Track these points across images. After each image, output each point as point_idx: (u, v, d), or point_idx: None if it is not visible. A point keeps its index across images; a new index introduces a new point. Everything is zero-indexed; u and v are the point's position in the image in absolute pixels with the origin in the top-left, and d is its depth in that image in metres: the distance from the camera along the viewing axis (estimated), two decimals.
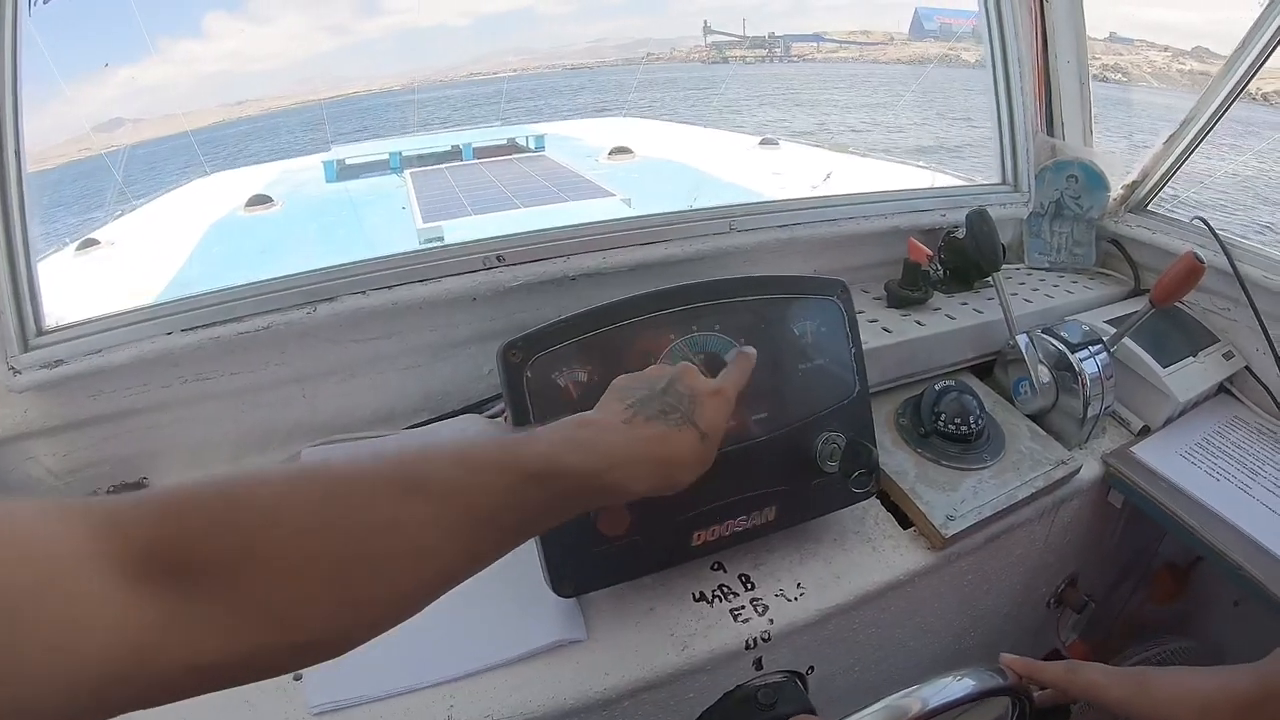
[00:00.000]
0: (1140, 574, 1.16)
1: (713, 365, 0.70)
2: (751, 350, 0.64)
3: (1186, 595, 1.15)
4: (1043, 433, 0.95)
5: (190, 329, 0.82)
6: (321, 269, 0.85)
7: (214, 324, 0.83)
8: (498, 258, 0.85)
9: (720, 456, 0.69)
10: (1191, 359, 1.04)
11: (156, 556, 0.30)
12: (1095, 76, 1.18)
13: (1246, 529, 0.86)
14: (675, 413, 0.51)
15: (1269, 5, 0.93)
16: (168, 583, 0.30)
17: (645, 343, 0.68)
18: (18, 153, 0.80)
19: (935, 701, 0.63)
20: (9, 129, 0.78)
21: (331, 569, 0.34)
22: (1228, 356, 1.07)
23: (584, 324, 0.66)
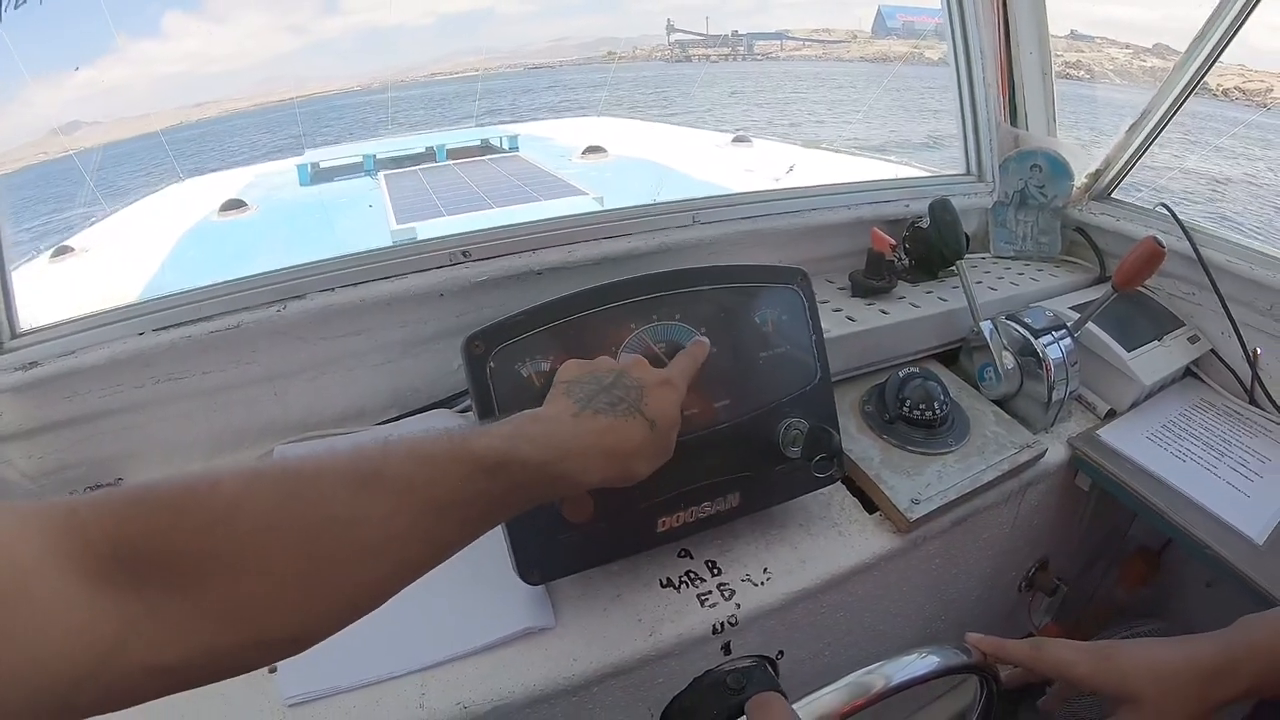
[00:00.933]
0: (1111, 557, 1.17)
1: (674, 354, 0.70)
2: (704, 340, 0.65)
3: (1158, 578, 1.16)
4: (1008, 417, 0.96)
5: (162, 328, 0.83)
6: (290, 267, 0.85)
7: (185, 323, 0.83)
8: (463, 253, 0.86)
9: (683, 443, 0.70)
10: (1156, 343, 1.05)
11: (116, 557, 0.30)
12: (1058, 74, 1.19)
13: (1214, 509, 0.87)
14: (623, 404, 0.53)
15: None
16: (128, 583, 0.30)
17: (607, 332, 0.69)
18: None
19: (899, 678, 0.65)
20: None
21: (292, 565, 0.34)
22: (1193, 340, 1.09)
23: (546, 315, 0.67)
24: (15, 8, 0.93)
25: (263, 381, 0.90)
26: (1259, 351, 1.04)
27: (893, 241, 0.99)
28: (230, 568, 0.33)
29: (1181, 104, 1.06)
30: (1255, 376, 1.04)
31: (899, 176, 1.16)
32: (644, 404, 0.53)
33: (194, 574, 0.32)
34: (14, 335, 0.83)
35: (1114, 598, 1.20)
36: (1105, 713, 0.58)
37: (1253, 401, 1.05)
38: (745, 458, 0.74)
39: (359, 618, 0.39)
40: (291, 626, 0.35)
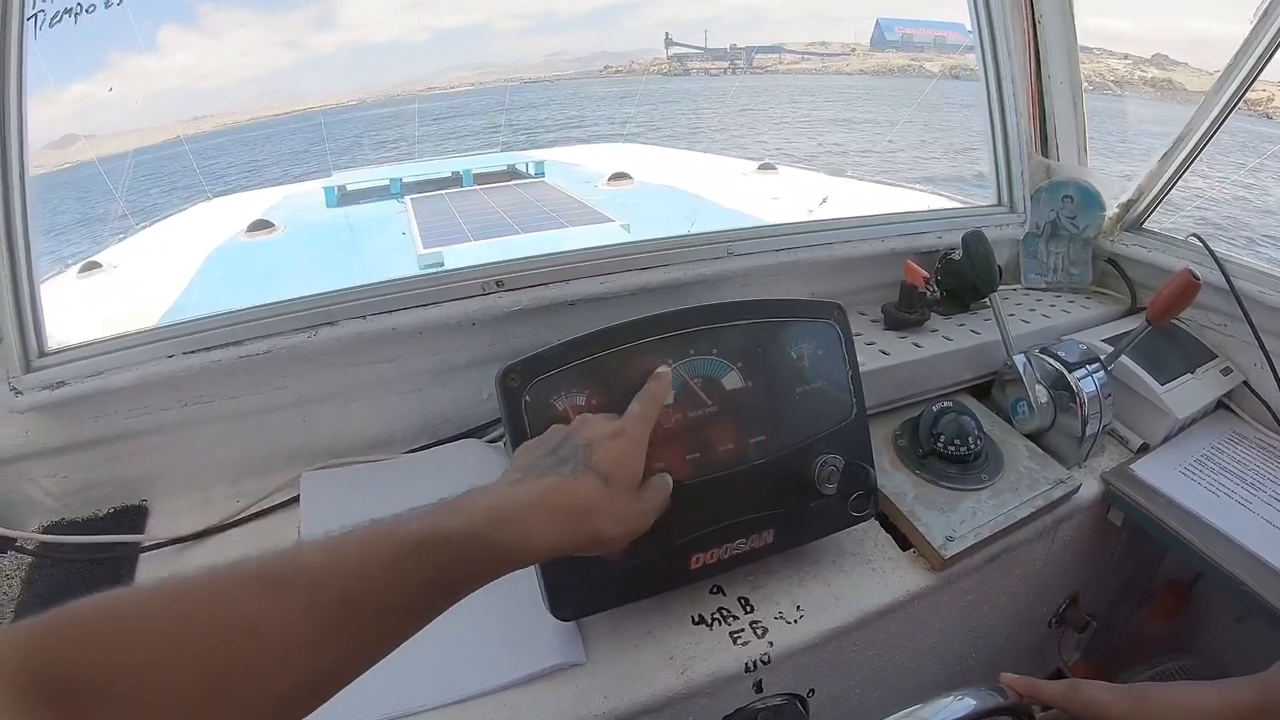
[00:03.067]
0: (1141, 592, 1.15)
1: (711, 390, 0.70)
2: (665, 370, 0.63)
3: (1188, 613, 1.14)
4: (1041, 452, 0.95)
5: (192, 351, 0.83)
6: (323, 293, 0.85)
7: (216, 347, 0.84)
8: (497, 283, 0.86)
9: (718, 480, 0.70)
10: (1190, 375, 1.04)
11: (28, 683, 0.29)
12: None
13: (1247, 544, 0.86)
14: (568, 462, 0.50)
15: (1260, 21, 0.94)
16: (42, 707, 0.29)
17: (642, 366, 0.68)
18: (21, 173, 0.81)
19: None
20: (14, 147, 0.79)
21: (189, 685, 0.32)
22: (1225, 372, 1.07)
23: (582, 348, 0.66)
24: (50, 26, 0.93)
25: (292, 407, 0.90)
26: None
27: (926, 274, 0.99)
28: (130, 688, 0.31)
29: (1217, 130, 1.05)
30: None
31: (931, 208, 1.15)
32: (593, 459, 0.50)
33: (98, 696, 0.30)
34: (42, 354, 0.83)
35: (1143, 633, 1.18)
36: None
37: None
38: (780, 494, 0.73)
39: None
40: None
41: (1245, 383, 1.07)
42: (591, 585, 0.67)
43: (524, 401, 0.64)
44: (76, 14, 0.90)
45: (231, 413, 0.88)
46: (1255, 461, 0.99)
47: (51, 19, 0.87)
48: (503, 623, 0.71)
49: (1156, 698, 0.56)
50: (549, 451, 0.52)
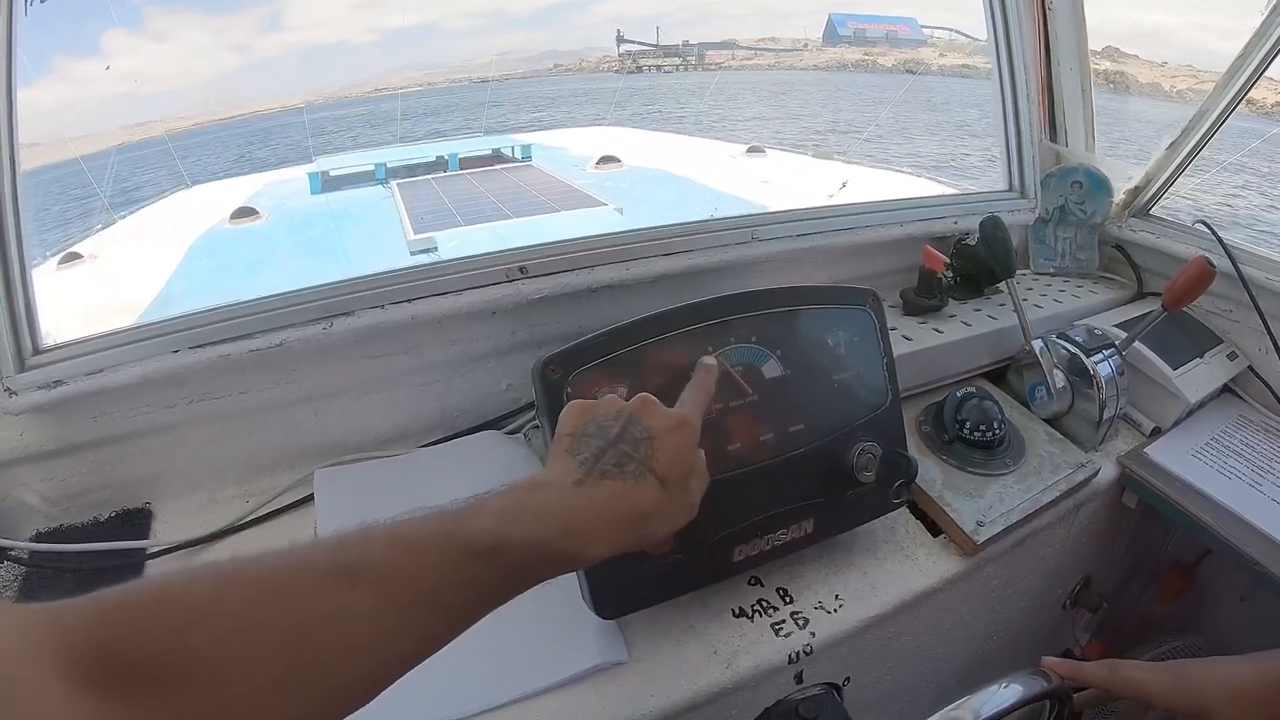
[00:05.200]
0: (1149, 573, 1.17)
1: (751, 378, 0.69)
2: (711, 361, 0.61)
3: (1193, 593, 1.16)
4: (1060, 436, 0.96)
5: (199, 346, 0.80)
6: (337, 283, 0.82)
7: (224, 340, 0.80)
8: (520, 269, 0.83)
9: (758, 470, 0.69)
10: (1199, 360, 1.05)
11: (99, 659, 0.29)
12: None
13: (1259, 524, 0.88)
14: (631, 462, 0.48)
15: (1272, 11, 0.95)
16: (111, 686, 0.29)
17: (682, 356, 0.66)
18: (13, 162, 0.77)
19: (986, 711, 0.63)
20: (4, 137, 0.76)
21: (272, 666, 0.33)
22: (1231, 357, 1.09)
23: (622, 338, 0.65)
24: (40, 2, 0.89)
25: (302, 402, 0.87)
26: None
27: (945, 260, 0.98)
28: (208, 670, 0.31)
29: (1224, 120, 1.07)
30: None
31: (945, 194, 1.15)
32: (654, 459, 0.49)
33: (172, 676, 0.30)
34: (36, 351, 0.79)
35: (1150, 613, 1.20)
36: None
37: None
38: (819, 484, 0.73)
39: (350, 714, 0.36)
40: None
41: (1250, 367, 1.09)
42: (635, 582, 0.66)
43: (565, 393, 0.63)
44: None
45: (239, 409, 0.85)
46: (1262, 444, 1.01)
47: None
48: (543, 624, 0.69)
49: (1193, 674, 0.58)
50: (610, 443, 0.49)
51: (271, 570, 0.35)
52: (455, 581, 0.39)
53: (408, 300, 0.82)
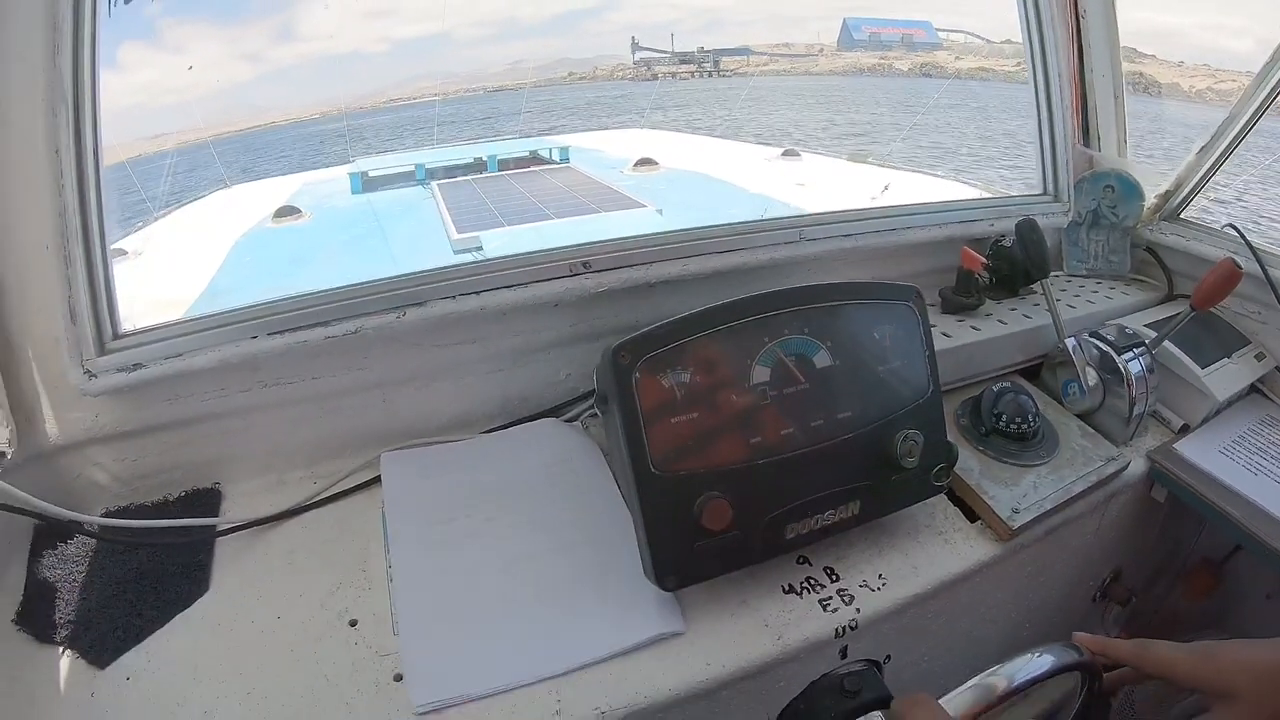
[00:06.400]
0: (1176, 569, 1.20)
1: (803, 367, 0.73)
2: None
3: (1220, 590, 1.19)
4: (1092, 431, 0.99)
5: (277, 332, 0.83)
6: (412, 274, 0.87)
7: (301, 328, 0.84)
8: (584, 264, 0.88)
9: (810, 453, 0.73)
10: (1227, 360, 1.08)
11: None
12: None
13: None
14: None
15: None
16: None
17: (741, 345, 0.72)
18: (96, 152, 0.80)
19: (1020, 678, 0.67)
20: (88, 128, 0.79)
21: None
22: (1259, 358, 1.12)
23: (686, 327, 0.70)
24: (125, 2, 0.93)
25: (373, 388, 0.91)
26: None
27: (983, 260, 1.02)
28: None
29: (1255, 123, 1.09)
30: None
31: (982, 197, 1.19)
32: None
33: None
34: (116, 336, 0.82)
35: (1177, 609, 1.23)
36: (1202, 707, 0.60)
37: None
38: (865, 467, 0.77)
39: None
40: None
41: (1278, 368, 1.12)
42: (696, 556, 0.70)
43: (634, 378, 0.67)
44: None
45: (311, 394, 0.89)
46: None
47: None
48: (606, 595, 0.73)
49: (1220, 654, 0.60)
50: None
51: None
52: None
53: (477, 292, 0.87)
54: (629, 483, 0.69)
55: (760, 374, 0.72)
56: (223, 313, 0.87)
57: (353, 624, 0.71)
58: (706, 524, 0.68)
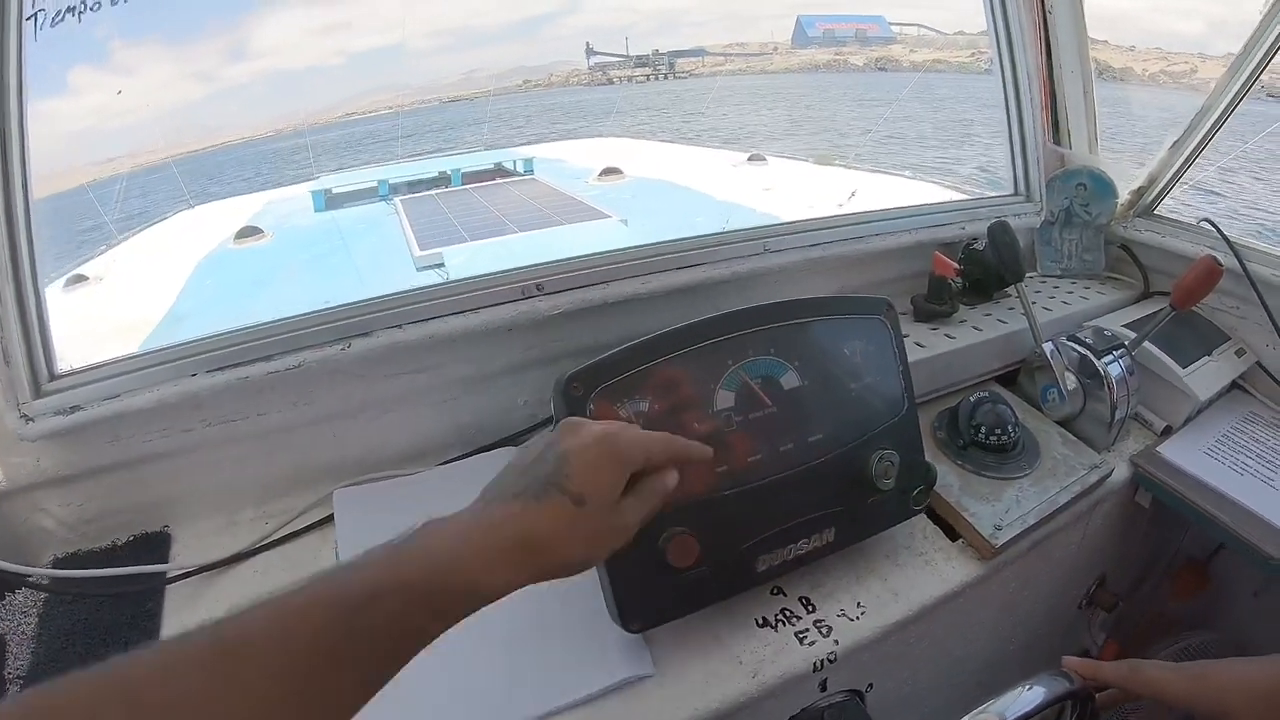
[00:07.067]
0: (1162, 571, 1.18)
1: (770, 390, 0.70)
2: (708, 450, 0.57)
3: (1208, 590, 1.17)
4: (1073, 438, 0.96)
5: (217, 369, 0.80)
6: (354, 303, 0.83)
7: (242, 363, 0.80)
8: (537, 286, 0.84)
9: (781, 480, 0.69)
10: (1207, 358, 1.06)
11: None
12: None
13: (1272, 519, 0.88)
14: (536, 483, 0.45)
15: (1272, 7, 0.95)
16: None
17: (703, 370, 0.67)
18: (25, 186, 0.77)
19: (1013, 714, 0.63)
20: (15, 160, 0.75)
21: None
22: (1239, 354, 1.10)
23: (643, 354, 0.65)
24: (51, 26, 0.89)
25: (321, 422, 0.87)
26: None
27: (956, 265, 0.99)
28: None
29: (1227, 119, 1.07)
30: None
31: (952, 199, 1.16)
32: (564, 475, 0.45)
33: None
34: (52, 377, 0.79)
35: (1164, 611, 1.20)
36: None
37: None
38: (839, 491, 0.73)
39: None
40: None
41: (1259, 363, 1.10)
42: (662, 594, 0.66)
43: (589, 411, 0.63)
44: (80, 12, 0.86)
45: (257, 431, 0.85)
46: (1272, 439, 1.02)
47: (53, 18, 0.83)
48: (569, 639, 0.69)
49: (1213, 674, 0.59)
50: (524, 468, 0.47)
51: (147, 660, 0.33)
52: (326, 642, 0.36)
53: (424, 320, 0.83)
54: None
55: (724, 399, 0.68)
56: (162, 349, 0.83)
57: None
58: (673, 561, 0.64)
